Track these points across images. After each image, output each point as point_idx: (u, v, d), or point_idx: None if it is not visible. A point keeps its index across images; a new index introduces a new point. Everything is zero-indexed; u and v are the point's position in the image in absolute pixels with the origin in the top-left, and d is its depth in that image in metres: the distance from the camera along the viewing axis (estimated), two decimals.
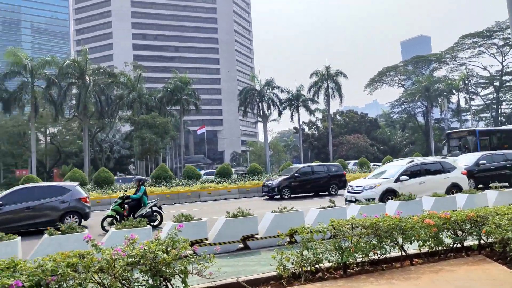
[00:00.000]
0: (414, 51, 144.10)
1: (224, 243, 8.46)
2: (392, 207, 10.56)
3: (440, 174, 15.58)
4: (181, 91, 49.93)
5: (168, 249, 5.16)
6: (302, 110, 57.64)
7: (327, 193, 22.68)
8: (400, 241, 6.68)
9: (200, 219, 8.53)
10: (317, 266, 6.11)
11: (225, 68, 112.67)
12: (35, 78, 40.64)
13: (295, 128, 67.54)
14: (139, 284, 4.93)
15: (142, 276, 4.96)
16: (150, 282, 4.93)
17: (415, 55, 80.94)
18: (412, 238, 6.64)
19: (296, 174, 22.55)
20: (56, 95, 41.71)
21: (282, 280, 5.96)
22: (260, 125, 64.95)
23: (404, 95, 73.04)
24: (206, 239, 8.42)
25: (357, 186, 15.28)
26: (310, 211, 10.02)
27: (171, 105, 52.01)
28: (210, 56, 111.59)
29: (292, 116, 57.47)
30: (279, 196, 21.82)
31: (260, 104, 56.02)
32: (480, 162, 19.55)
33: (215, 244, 8.23)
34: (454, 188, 15.00)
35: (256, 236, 8.86)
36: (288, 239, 7.37)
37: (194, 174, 28.79)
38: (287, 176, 22.69)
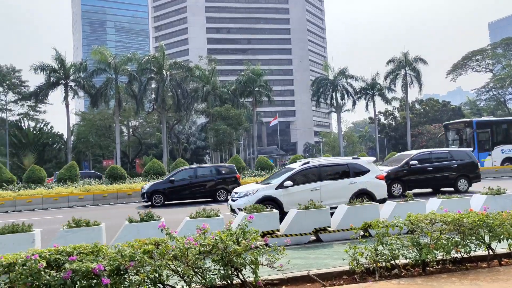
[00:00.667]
0: (504, 33, 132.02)
1: (296, 235, 8.37)
2: (478, 202, 9.77)
3: (345, 179, 12.21)
4: (253, 82, 50.41)
5: (239, 240, 5.19)
6: (377, 99, 55.59)
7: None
8: (487, 239, 6.13)
9: (272, 210, 8.52)
10: (392, 262, 5.80)
11: (297, 58, 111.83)
12: (118, 74, 43.39)
13: (370, 118, 65.34)
14: (211, 273, 5.01)
15: (214, 265, 5.04)
16: (222, 271, 4.99)
17: (506, 37, 74.11)
18: (501, 236, 6.05)
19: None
20: (137, 89, 44.17)
21: (355, 276, 5.75)
22: (334, 116, 63.63)
23: (492, 81, 67.40)
24: (278, 230, 8.39)
25: (235, 193, 12.49)
26: (385, 205, 9.59)
27: (244, 97, 52.73)
28: (282, 47, 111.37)
29: (367, 105, 55.66)
30: None
31: (334, 94, 54.89)
32: (411, 162, 16.52)
33: (286, 235, 8.17)
34: (362, 195, 11.34)
35: (328, 228, 8.66)
36: (361, 233, 7.11)
37: (267, 165, 29.04)
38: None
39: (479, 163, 18.61)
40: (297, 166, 12.59)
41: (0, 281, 4.35)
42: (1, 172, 25.17)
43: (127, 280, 4.63)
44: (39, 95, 45.18)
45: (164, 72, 43.25)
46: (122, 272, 4.60)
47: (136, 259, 4.67)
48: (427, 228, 5.93)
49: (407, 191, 10.62)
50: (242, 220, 5.70)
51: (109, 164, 42.29)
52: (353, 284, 5.54)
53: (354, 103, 55.09)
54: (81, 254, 4.78)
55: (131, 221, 7.93)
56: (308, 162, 12.76)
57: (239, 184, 18.19)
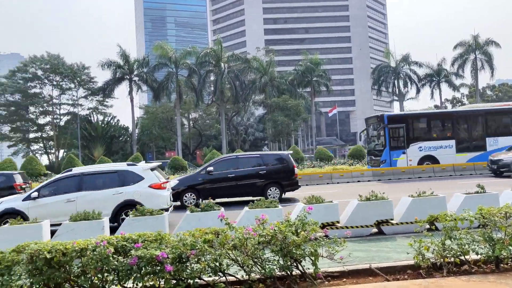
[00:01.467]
0: None
1: (357, 227, 8.17)
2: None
3: (110, 189, 10.66)
4: (311, 72, 49.80)
5: (298, 231, 5.13)
6: (444, 86, 52.96)
7: None
8: None
9: (331, 201, 8.37)
10: (462, 258, 5.47)
11: (357, 46, 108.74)
12: (178, 68, 44.75)
13: (436, 106, 62.27)
14: (270, 263, 5.01)
15: (273, 256, 5.03)
16: (281, 262, 4.98)
17: None
18: None
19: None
20: (196, 82, 45.28)
21: (421, 271, 5.49)
22: (396, 104, 61.43)
23: None
24: (338, 222, 8.23)
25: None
26: (453, 197, 9.07)
27: (302, 87, 52.29)
28: (341, 35, 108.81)
29: (432, 93, 53.10)
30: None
31: (396, 81, 52.94)
32: (209, 169, 14.53)
33: (346, 227, 7.99)
34: (130, 207, 10.13)
35: (391, 221, 8.36)
36: (427, 226, 6.76)
37: (326, 156, 28.66)
38: None
39: (296, 169, 15.26)
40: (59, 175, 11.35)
41: (74, 265, 4.62)
42: (74, 163, 26.96)
43: (189, 268, 4.75)
44: (106, 90, 47.80)
45: (222, 64, 43.93)
46: (184, 260, 4.73)
47: (197, 248, 4.77)
48: (501, 222, 5.51)
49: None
50: (301, 211, 5.64)
51: (172, 156, 43.87)
52: (419, 280, 5.29)
53: (418, 91, 52.83)
54: (146, 242, 4.96)
55: (192, 210, 8.14)
56: (70, 170, 11.33)
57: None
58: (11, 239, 6.88)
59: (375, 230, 8.53)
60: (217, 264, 4.84)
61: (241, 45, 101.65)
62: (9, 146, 57.99)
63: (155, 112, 55.37)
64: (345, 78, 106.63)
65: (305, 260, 5.05)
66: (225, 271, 4.94)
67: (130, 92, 46.44)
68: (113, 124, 54.18)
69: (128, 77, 46.36)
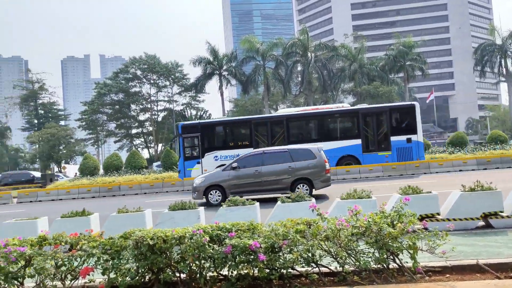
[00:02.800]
0: None
1: (460, 219, 7.55)
2: None
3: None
4: (404, 56, 47.15)
5: (394, 223, 4.88)
6: None
7: None
8: None
9: (430, 192, 7.84)
10: None
11: (456, 24, 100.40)
12: (265, 60, 45.18)
13: None
14: (365, 255, 4.84)
15: (368, 248, 4.85)
16: (376, 254, 4.77)
17: None
18: None
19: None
20: (283, 74, 45.39)
21: None
22: (503, 86, 55.78)
23: None
24: (438, 214, 7.69)
25: None
26: None
27: (394, 72, 49.78)
28: (436, 14, 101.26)
29: None
30: None
31: (502, 60, 48.03)
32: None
33: (448, 220, 7.43)
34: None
35: (501, 213, 7.59)
36: None
37: (423, 144, 26.98)
38: None
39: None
40: None
41: (174, 251, 4.88)
42: (171, 156, 28.69)
43: (281, 258, 4.76)
44: (198, 85, 50.04)
45: (309, 54, 43.48)
46: (276, 249, 4.75)
47: (289, 238, 4.76)
48: None
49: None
50: (396, 202, 5.34)
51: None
52: None
53: None
54: (239, 231, 5.08)
55: (283, 201, 8.18)
56: None
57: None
58: (119, 225, 7.51)
59: (481, 223, 7.82)
60: (310, 254, 4.78)
61: (328, 33, 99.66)
62: (115, 141, 63.56)
63: (244, 105, 56.66)
64: (442, 60, 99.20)
65: (402, 253, 4.78)
66: (318, 262, 4.87)
67: (220, 87, 48.10)
68: (205, 118, 56.61)
69: (217, 72, 48.03)
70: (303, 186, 13.36)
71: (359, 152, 21.67)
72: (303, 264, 4.81)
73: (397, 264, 4.85)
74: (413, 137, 21.46)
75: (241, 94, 55.63)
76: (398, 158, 21.54)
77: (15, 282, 4.93)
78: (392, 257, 4.83)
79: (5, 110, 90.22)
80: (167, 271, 4.94)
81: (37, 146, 59.29)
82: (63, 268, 4.94)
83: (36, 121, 68.81)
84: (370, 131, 21.84)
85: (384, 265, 4.80)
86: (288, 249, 4.77)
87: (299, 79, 49.29)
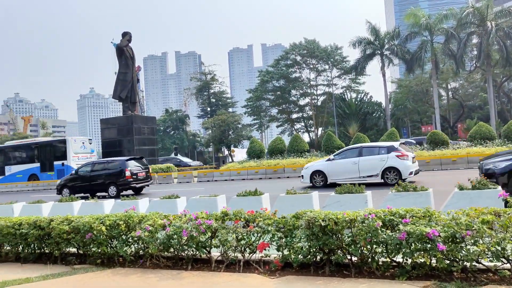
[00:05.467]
0: None
1: None
2: None
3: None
4: None
5: None
6: None
7: None
8: None
9: None
10: None
11: None
12: (433, 35, 41.37)
13: None
14: None
15: None
16: None
17: None
18: None
19: None
20: (455, 48, 40.95)
21: None
22: None
23: None
24: None
25: None
26: None
27: None
28: None
29: None
30: None
31: None
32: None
33: None
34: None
35: None
36: None
37: None
38: None
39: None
40: None
41: (345, 234, 4.89)
42: (332, 140, 28.76)
43: (464, 250, 4.34)
44: (358, 67, 48.75)
45: (488, 23, 38.16)
46: (458, 240, 4.36)
47: (473, 228, 4.31)
48: None
49: None
50: None
51: (428, 130, 41.39)
52: None
53: None
54: (414, 218, 4.81)
55: (461, 188, 7.43)
56: None
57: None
58: (288, 205, 7.88)
59: None
60: (499, 248, 4.24)
61: None
62: (277, 126, 66.72)
63: (409, 85, 53.17)
64: None
65: None
66: (510, 258, 4.29)
67: (382, 67, 45.99)
68: (366, 100, 54.95)
69: (379, 52, 45.99)
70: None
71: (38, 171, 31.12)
72: (491, 258, 4.30)
73: None
74: (65, 162, 29.88)
75: (405, 74, 52.27)
76: (58, 176, 28.87)
77: (204, 250, 5.61)
78: None
79: (184, 100, 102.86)
80: (338, 253, 4.98)
81: (210, 131, 66.14)
82: (243, 242, 5.42)
83: (209, 109, 76.66)
84: (43, 158, 31.68)
85: None
86: (472, 241, 4.32)
87: (475, 53, 43.83)
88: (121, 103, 34.23)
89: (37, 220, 6.62)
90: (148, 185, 20.20)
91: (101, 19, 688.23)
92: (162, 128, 75.30)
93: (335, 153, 16.78)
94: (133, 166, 18.75)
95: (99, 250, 6.11)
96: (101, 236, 5.98)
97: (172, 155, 60.55)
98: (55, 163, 30.57)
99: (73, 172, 20.25)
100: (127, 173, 18.06)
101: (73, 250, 6.64)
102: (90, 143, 32.76)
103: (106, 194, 18.19)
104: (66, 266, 6.21)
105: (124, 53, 33.07)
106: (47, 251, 6.65)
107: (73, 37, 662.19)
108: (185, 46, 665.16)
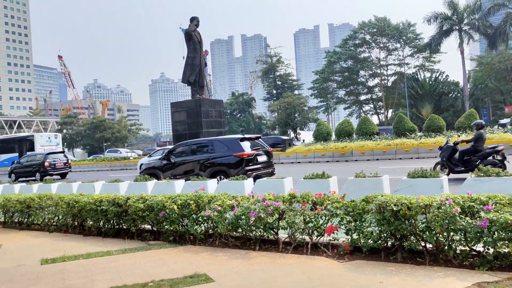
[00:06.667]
0: None
1: None
2: None
3: None
4: None
5: None
6: None
7: None
8: None
9: None
10: None
11: None
12: None
13: None
14: None
15: None
16: None
17: None
18: None
19: None
20: None
21: None
22: None
23: None
24: None
25: None
26: None
27: None
28: None
29: None
30: None
31: None
32: None
33: None
34: None
35: None
36: None
37: None
38: None
39: None
40: None
41: (418, 219, 4.65)
42: (404, 122, 27.51)
43: None
44: (433, 45, 45.91)
45: None
46: None
47: None
48: None
49: None
50: None
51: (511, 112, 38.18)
52: None
53: None
54: (497, 205, 4.47)
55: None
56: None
57: None
58: (357, 189, 7.67)
59: None
60: None
61: None
62: (344, 108, 65.24)
63: (490, 63, 49.20)
64: None
65: None
66: None
67: (460, 44, 42.92)
68: (441, 80, 51.74)
69: (457, 28, 42.90)
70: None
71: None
72: None
73: None
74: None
75: (486, 50, 48.49)
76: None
77: (272, 231, 5.64)
78: None
79: (250, 83, 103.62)
80: (411, 239, 4.77)
81: (276, 114, 66.20)
82: (310, 225, 5.36)
83: (274, 92, 76.71)
84: (20, 149, 39.27)
85: None
86: None
87: None
88: (190, 87, 35.25)
89: (116, 198, 7.04)
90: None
91: (170, 6, 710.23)
92: (228, 111, 76.73)
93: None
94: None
95: (172, 228, 6.36)
96: (173, 215, 6.22)
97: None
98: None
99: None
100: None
101: (148, 227, 6.98)
102: (56, 138, 43.07)
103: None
104: (142, 242, 6.55)
105: (192, 37, 33.86)
106: (124, 227, 7.06)
107: (145, 25, 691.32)
108: (251, 29, 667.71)
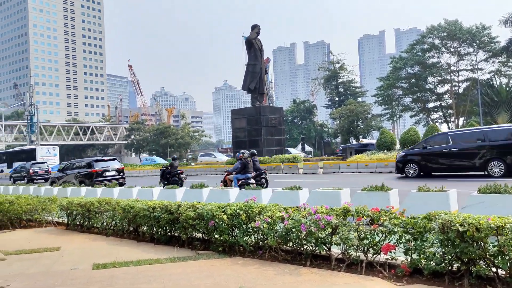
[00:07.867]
0: None
1: None
2: None
3: None
4: None
5: None
6: None
7: None
8: None
9: None
10: None
11: None
12: None
13: None
14: None
15: None
16: None
17: None
18: None
19: None
20: None
21: None
22: None
23: None
24: None
25: None
26: None
27: None
28: None
29: None
30: None
31: None
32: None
33: None
34: None
35: None
36: None
37: None
38: None
39: None
40: None
41: (489, 242, 4.12)
42: None
43: None
44: (510, 49, 42.71)
45: None
46: None
47: None
48: None
49: None
50: None
51: None
52: None
53: None
54: None
55: None
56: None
57: None
58: (419, 204, 7.11)
59: None
60: None
61: None
62: (411, 116, 62.43)
63: None
64: None
65: None
66: None
67: None
68: None
69: None
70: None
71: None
72: None
73: None
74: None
75: None
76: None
77: (324, 247, 5.31)
78: None
79: (312, 90, 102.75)
80: (480, 264, 4.24)
81: (338, 121, 64.86)
82: (366, 241, 4.97)
83: (337, 99, 75.34)
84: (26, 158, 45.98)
85: None
86: None
87: None
88: (250, 94, 35.52)
89: (168, 205, 7.06)
90: None
91: (234, 15, 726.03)
92: (289, 118, 76.47)
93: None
94: None
95: (221, 238, 6.24)
96: (223, 224, 6.10)
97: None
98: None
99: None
100: None
101: (199, 235, 6.92)
102: (54, 149, 53.45)
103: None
104: (192, 251, 6.49)
105: (253, 45, 34.18)
106: (176, 234, 7.06)
107: (209, 33, 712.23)
108: (313, 36, 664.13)
